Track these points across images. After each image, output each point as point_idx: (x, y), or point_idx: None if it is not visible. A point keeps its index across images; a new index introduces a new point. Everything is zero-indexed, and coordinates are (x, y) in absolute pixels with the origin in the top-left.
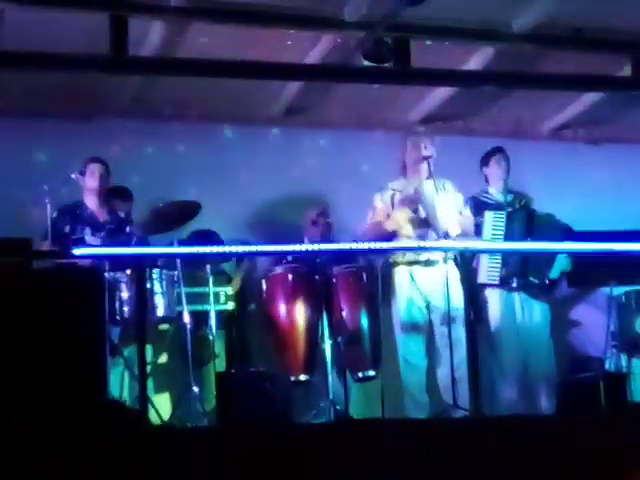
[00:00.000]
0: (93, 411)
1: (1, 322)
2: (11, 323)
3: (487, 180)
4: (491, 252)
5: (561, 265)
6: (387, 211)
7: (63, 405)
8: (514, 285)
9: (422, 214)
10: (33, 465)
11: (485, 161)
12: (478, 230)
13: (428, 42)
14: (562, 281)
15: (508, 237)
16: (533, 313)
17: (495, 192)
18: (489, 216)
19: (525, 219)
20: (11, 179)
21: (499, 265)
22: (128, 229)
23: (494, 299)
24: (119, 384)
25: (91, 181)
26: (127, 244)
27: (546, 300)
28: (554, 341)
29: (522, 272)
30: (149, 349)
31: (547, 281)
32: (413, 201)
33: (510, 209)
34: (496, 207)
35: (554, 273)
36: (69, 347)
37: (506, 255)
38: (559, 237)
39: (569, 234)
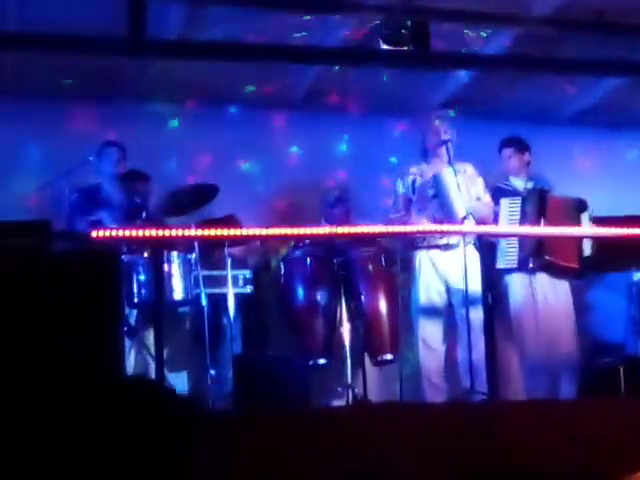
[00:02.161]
0: (108, 394)
1: (19, 304)
2: (28, 305)
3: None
4: (508, 237)
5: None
6: (408, 196)
7: (77, 389)
8: (531, 266)
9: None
10: (44, 459)
11: (499, 151)
12: (497, 218)
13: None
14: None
15: (522, 221)
16: (555, 296)
17: (515, 180)
18: (504, 203)
19: (538, 202)
20: (31, 161)
21: (516, 248)
22: (144, 214)
23: (515, 283)
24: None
25: (108, 165)
26: (143, 227)
27: (568, 280)
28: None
29: (538, 252)
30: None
31: (585, 263)
32: (432, 187)
33: (525, 195)
34: (513, 194)
35: (586, 250)
36: (86, 330)
37: (522, 238)
38: (576, 214)
39: (582, 206)
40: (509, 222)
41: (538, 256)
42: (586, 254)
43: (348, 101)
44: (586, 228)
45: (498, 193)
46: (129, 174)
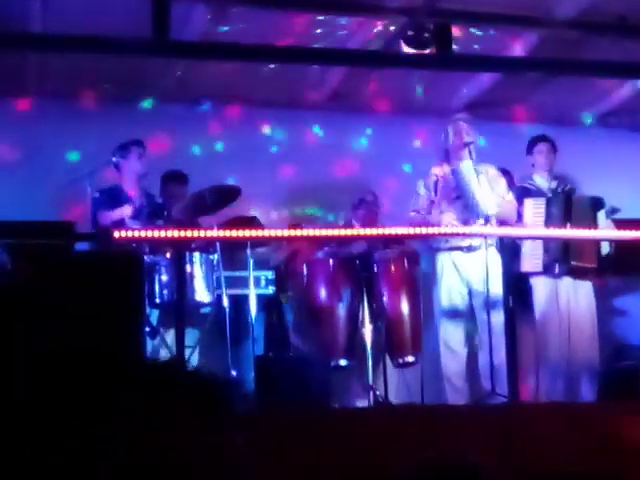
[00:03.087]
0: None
1: (41, 304)
2: (51, 305)
3: (533, 166)
4: (531, 238)
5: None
6: (430, 198)
7: (98, 389)
8: (557, 271)
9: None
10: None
11: (529, 149)
12: (520, 218)
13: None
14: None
15: (547, 223)
16: (578, 299)
17: (539, 179)
18: (528, 204)
19: (564, 204)
20: (54, 161)
21: (541, 252)
22: (165, 213)
23: (539, 286)
24: None
25: (136, 164)
26: (166, 228)
27: (592, 281)
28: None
29: (564, 257)
30: (190, 333)
31: (604, 262)
32: (454, 188)
33: (550, 195)
34: (538, 194)
35: (605, 248)
36: (108, 330)
37: (547, 241)
38: (592, 212)
39: (599, 204)
40: (533, 223)
41: (564, 261)
42: (604, 252)
43: (369, 103)
44: (610, 231)
45: (522, 193)
46: (170, 175)
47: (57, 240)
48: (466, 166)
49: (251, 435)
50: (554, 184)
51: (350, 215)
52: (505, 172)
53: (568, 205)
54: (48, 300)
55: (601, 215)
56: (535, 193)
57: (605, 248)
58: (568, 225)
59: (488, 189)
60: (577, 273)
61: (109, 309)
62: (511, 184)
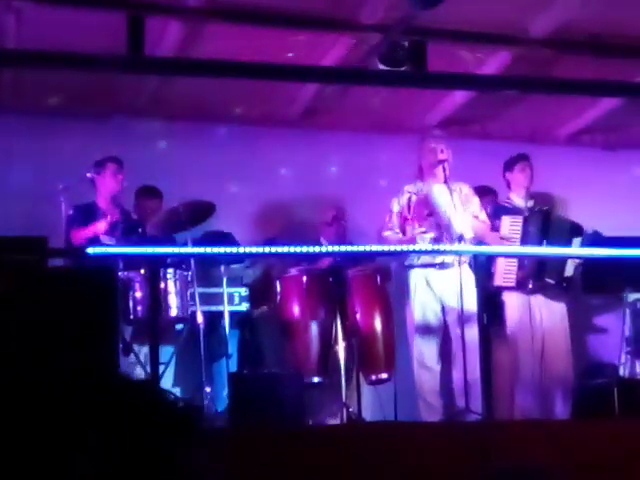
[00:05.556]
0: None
1: (14, 320)
2: (24, 321)
3: (509, 185)
4: (505, 256)
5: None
6: (404, 214)
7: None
8: (530, 287)
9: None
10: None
11: (509, 167)
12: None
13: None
14: (578, 277)
15: (524, 240)
16: (551, 316)
17: (516, 198)
18: (505, 221)
19: (541, 222)
20: (27, 177)
21: (515, 268)
22: (140, 230)
23: (511, 302)
24: None
25: (112, 181)
26: (140, 244)
27: (564, 300)
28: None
29: (538, 274)
30: (164, 349)
31: (564, 283)
32: (427, 205)
33: (527, 213)
34: (515, 212)
35: (568, 271)
36: (81, 346)
37: (522, 257)
38: (568, 236)
39: (578, 231)
40: (509, 240)
41: (538, 278)
42: (567, 274)
43: (343, 120)
44: (579, 249)
45: (500, 210)
46: (144, 190)
47: (29, 255)
48: (438, 189)
49: (225, 452)
50: (531, 203)
51: (320, 231)
52: (489, 190)
53: (546, 224)
54: (21, 315)
55: (576, 242)
56: (512, 211)
57: (569, 270)
58: (544, 243)
59: (461, 208)
60: (551, 291)
61: (83, 325)
62: (495, 202)
